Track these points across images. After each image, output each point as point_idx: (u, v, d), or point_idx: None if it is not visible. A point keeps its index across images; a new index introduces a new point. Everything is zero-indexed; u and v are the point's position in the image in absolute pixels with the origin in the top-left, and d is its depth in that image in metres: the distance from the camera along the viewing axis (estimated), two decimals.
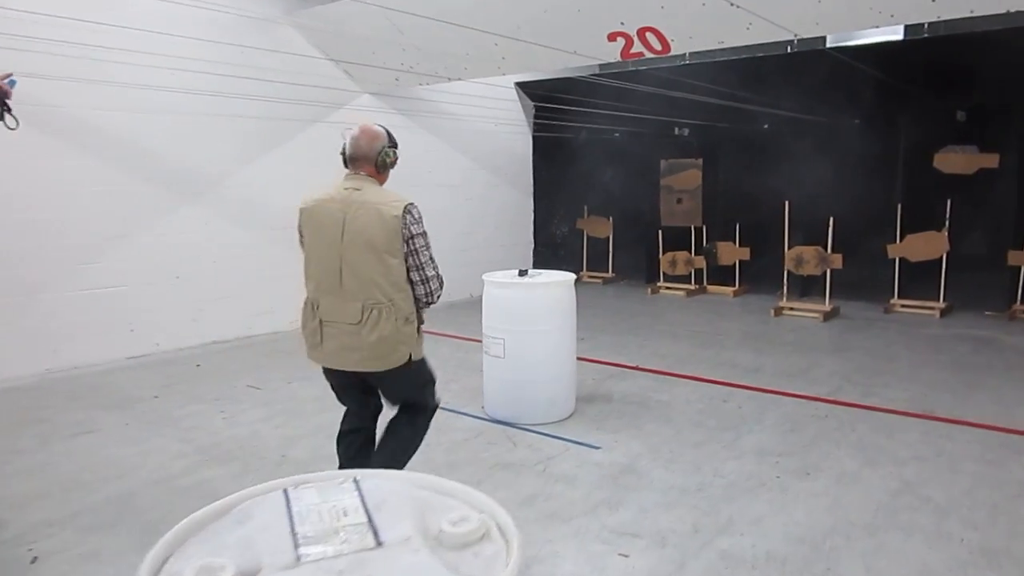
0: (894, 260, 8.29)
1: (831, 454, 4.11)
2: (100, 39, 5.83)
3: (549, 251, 10.86)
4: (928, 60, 7.84)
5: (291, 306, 7.48)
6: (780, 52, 8.05)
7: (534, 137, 10.42)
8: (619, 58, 6.04)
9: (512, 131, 10.10)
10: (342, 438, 3.21)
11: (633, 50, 5.86)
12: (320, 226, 2.87)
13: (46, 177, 5.76)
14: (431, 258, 2.93)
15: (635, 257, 10.83)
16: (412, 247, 2.85)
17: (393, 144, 2.99)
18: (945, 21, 5.07)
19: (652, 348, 6.71)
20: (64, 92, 5.77)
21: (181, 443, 4.29)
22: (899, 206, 8.23)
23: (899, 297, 8.31)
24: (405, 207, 2.82)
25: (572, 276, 4.79)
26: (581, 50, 6.08)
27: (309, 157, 7.47)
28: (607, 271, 10.86)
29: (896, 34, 6.97)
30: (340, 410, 3.28)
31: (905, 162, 8.77)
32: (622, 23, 5.59)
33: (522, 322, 4.53)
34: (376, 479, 1.44)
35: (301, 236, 2.99)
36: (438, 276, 2.96)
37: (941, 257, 7.94)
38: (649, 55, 5.88)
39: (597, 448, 4.21)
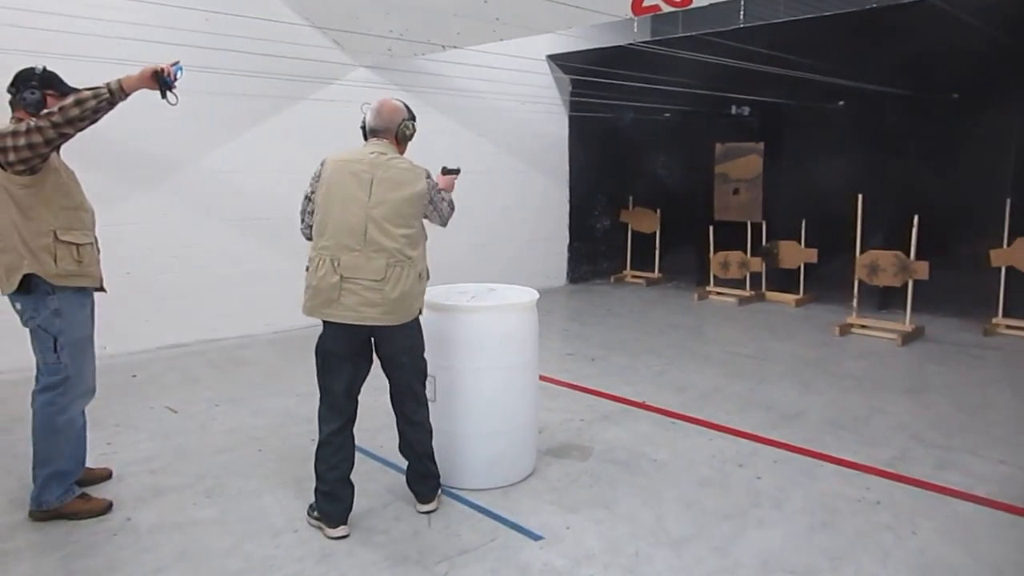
0: (999, 269, 6.67)
1: None
2: (37, 3, 5.07)
3: (588, 247, 9.63)
4: None
5: (266, 307, 6.77)
6: (859, 7, 6.56)
7: (570, 117, 9.16)
8: (631, 13, 4.79)
9: (544, 110, 8.88)
10: (327, 444, 3.04)
11: (647, 3, 4.59)
12: (345, 184, 2.96)
13: None
14: (444, 198, 3.23)
15: (686, 255, 9.46)
16: (434, 205, 3.16)
17: (412, 117, 3.19)
18: None
19: (673, 376, 5.44)
20: None
21: (21, 487, 3.39)
22: (1008, 202, 6.60)
23: (1004, 316, 6.69)
24: (426, 175, 3.10)
25: (533, 296, 3.62)
26: (584, 3, 4.85)
27: (292, 139, 6.55)
28: (653, 271, 9.54)
29: None
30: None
31: (1020, 148, 7.08)
32: None
33: (459, 356, 3.40)
34: None
35: (311, 190, 3.07)
36: (451, 205, 3.29)
37: None
38: (667, 7, 4.60)
39: (537, 539, 3.06)
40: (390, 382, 3.19)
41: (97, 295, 3.31)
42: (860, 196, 6.68)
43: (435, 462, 3.31)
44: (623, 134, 9.49)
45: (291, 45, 6.39)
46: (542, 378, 5.27)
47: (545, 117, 8.92)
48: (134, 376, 5.28)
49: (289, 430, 4.22)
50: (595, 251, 9.72)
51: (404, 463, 3.31)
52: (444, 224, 3.30)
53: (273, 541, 3.02)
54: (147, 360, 5.68)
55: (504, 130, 8.50)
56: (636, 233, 9.67)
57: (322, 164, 3.07)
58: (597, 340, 6.56)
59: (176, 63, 3.04)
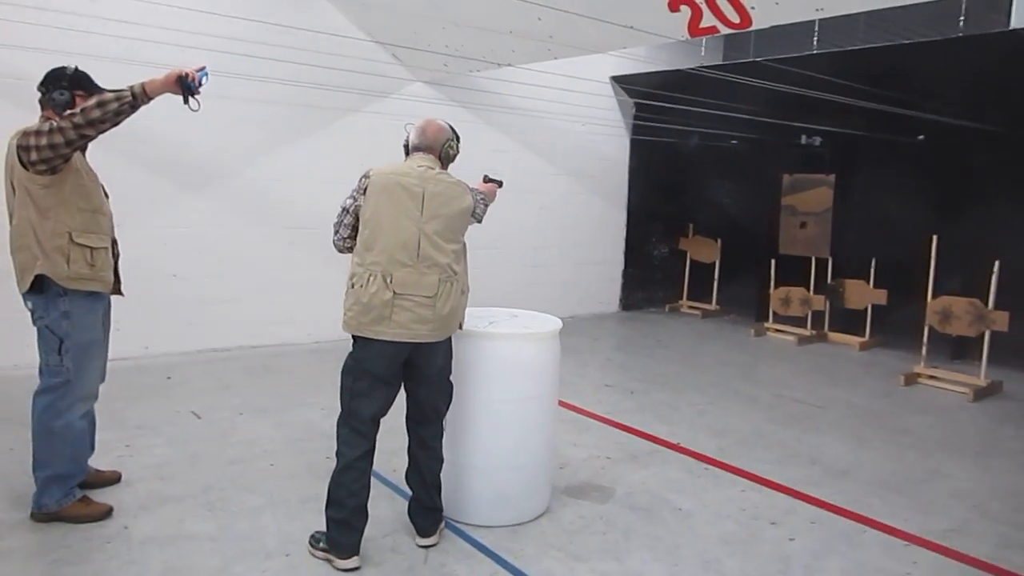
0: None
1: None
2: (97, 8, 5.23)
3: (643, 273, 9.34)
4: None
5: (310, 316, 6.77)
6: (943, 35, 6.15)
7: (632, 140, 8.94)
8: (687, 35, 4.56)
9: (605, 132, 8.68)
10: (350, 470, 2.88)
11: (703, 24, 4.37)
12: (397, 198, 2.89)
13: None
14: (484, 202, 3.28)
15: (746, 288, 9.07)
16: (476, 217, 3.18)
17: (457, 138, 3.15)
18: None
19: (713, 417, 5.14)
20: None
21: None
22: None
23: None
24: (472, 191, 3.11)
25: (555, 326, 3.43)
26: (638, 24, 4.67)
27: (346, 150, 6.56)
28: (710, 302, 9.17)
29: None
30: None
31: None
32: None
33: (471, 384, 3.24)
34: None
35: (353, 202, 2.96)
36: (485, 201, 3.29)
37: None
38: (725, 29, 4.36)
39: None
40: (413, 402, 3.07)
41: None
42: (935, 237, 6.22)
43: (441, 495, 3.15)
44: (686, 160, 9.20)
45: (352, 59, 6.42)
46: (574, 409, 5.10)
47: (606, 139, 8.72)
48: (168, 378, 5.32)
49: (306, 445, 4.14)
50: (650, 278, 9.42)
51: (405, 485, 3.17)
52: (480, 221, 3.27)
53: (262, 564, 2.91)
54: (185, 362, 5.73)
55: (563, 151, 8.35)
56: (694, 262, 9.33)
57: (366, 177, 2.95)
58: (640, 372, 6.29)
59: (202, 68, 2.99)
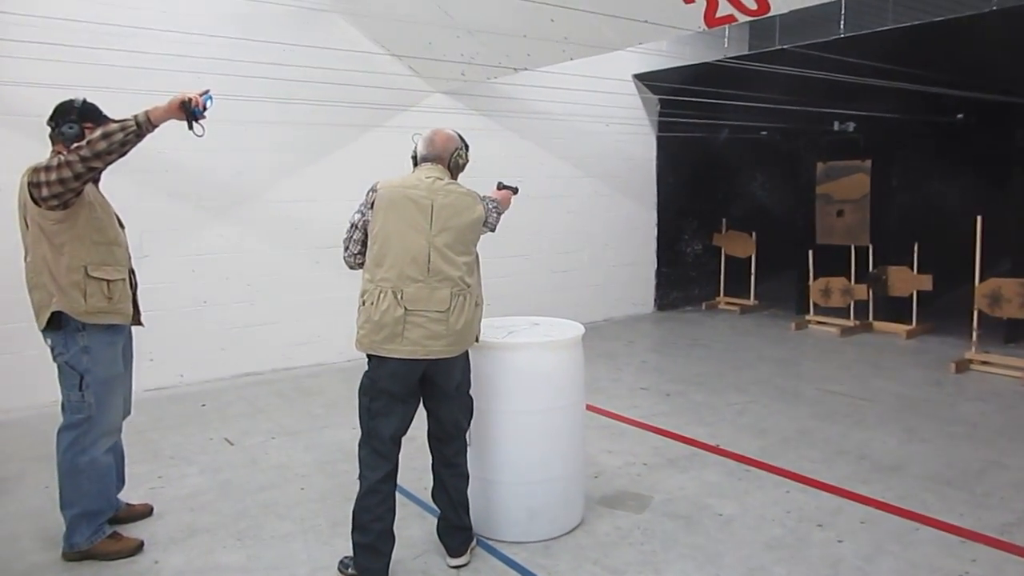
0: None
1: None
2: (112, 40, 5.30)
3: (678, 272, 9.16)
4: None
5: (338, 334, 6.75)
6: (976, 10, 5.91)
7: (658, 138, 8.78)
8: (704, 26, 4.44)
9: (630, 131, 8.55)
10: (373, 493, 2.80)
11: (720, 13, 4.25)
12: (404, 211, 2.82)
13: None
14: (497, 211, 3.11)
15: (784, 281, 8.83)
16: (489, 226, 3.05)
17: (466, 146, 3.07)
18: None
19: (754, 416, 4.97)
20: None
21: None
22: None
23: None
24: (482, 199, 3.00)
25: (577, 332, 3.33)
26: (653, 18, 4.56)
27: (367, 166, 6.45)
28: (748, 297, 8.95)
29: None
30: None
31: None
32: None
33: (494, 397, 3.16)
34: None
35: (361, 217, 2.92)
36: (499, 214, 3.13)
37: None
38: (743, 17, 4.23)
39: None
40: (434, 419, 3.00)
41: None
42: (980, 218, 5.95)
43: (469, 513, 3.08)
44: (715, 154, 9.02)
45: (368, 73, 6.41)
46: (608, 415, 4.99)
47: (631, 138, 8.59)
48: (203, 405, 5.35)
49: (336, 467, 4.10)
50: (685, 277, 9.24)
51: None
52: (494, 230, 3.14)
53: None
54: (219, 389, 5.76)
55: (587, 153, 8.24)
56: (730, 258, 9.12)
57: (373, 190, 2.89)
58: (676, 373, 6.14)
59: (206, 92, 2.96)
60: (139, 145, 2.95)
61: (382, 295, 2.77)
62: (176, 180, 5.80)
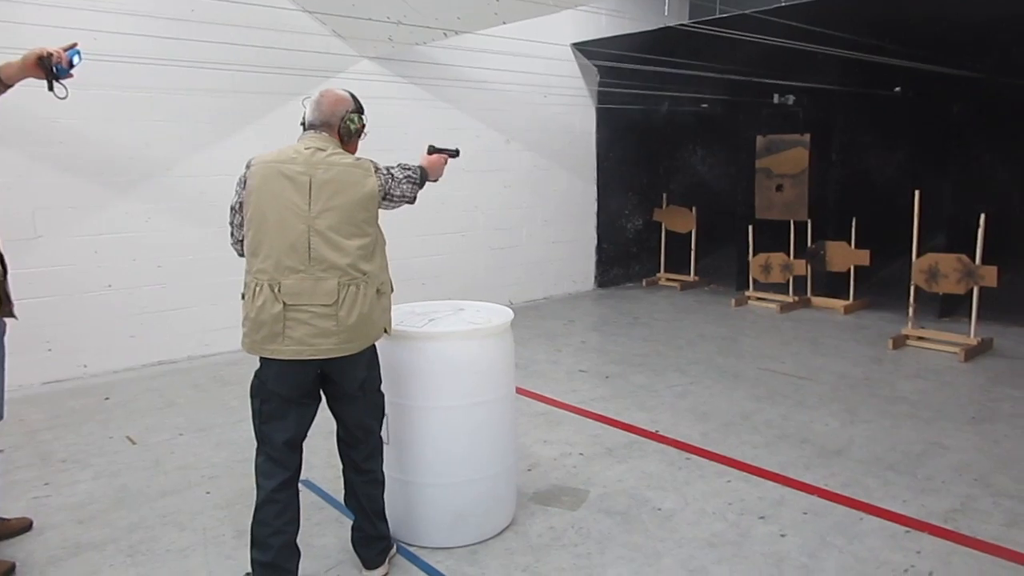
0: None
1: None
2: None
3: (618, 248, 8.98)
4: None
5: None
6: None
7: (597, 110, 8.53)
8: None
9: (568, 102, 8.27)
10: (270, 503, 2.49)
11: None
12: (279, 192, 2.44)
13: None
14: (399, 179, 2.66)
15: (725, 257, 8.75)
16: (390, 199, 2.64)
17: (359, 110, 2.66)
18: None
19: (695, 399, 4.81)
20: None
21: None
22: None
23: None
24: (374, 167, 2.58)
25: (506, 317, 3.05)
26: None
27: (289, 138, 6.03)
28: (689, 274, 8.84)
29: None
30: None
31: None
32: None
33: (413, 392, 2.87)
34: None
35: (240, 203, 2.54)
36: (411, 180, 2.70)
37: None
38: None
39: None
40: (339, 422, 2.69)
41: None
42: (917, 192, 5.89)
43: (386, 521, 2.79)
44: (656, 127, 8.83)
45: (288, 35, 5.96)
46: (546, 400, 4.76)
47: (569, 110, 8.31)
48: (107, 399, 4.91)
49: (248, 467, 3.64)
50: (626, 253, 9.07)
51: None
52: (413, 201, 2.75)
53: None
54: (126, 380, 5.31)
55: (524, 124, 7.93)
56: (671, 233, 8.98)
57: (247, 167, 2.52)
58: (616, 354, 5.95)
59: (72, 47, 2.54)
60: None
61: (259, 289, 2.43)
62: (74, 152, 5.27)
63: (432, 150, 2.93)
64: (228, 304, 6.01)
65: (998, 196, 6.07)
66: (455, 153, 2.98)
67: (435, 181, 2.89)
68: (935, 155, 6.75)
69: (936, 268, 5.86)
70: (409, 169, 2.71)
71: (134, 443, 4.13)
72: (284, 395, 2.49)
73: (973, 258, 5.64)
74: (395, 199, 2.66)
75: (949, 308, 6.59)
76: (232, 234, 2.66)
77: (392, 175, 2.64)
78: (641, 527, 3.14)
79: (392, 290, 2.68)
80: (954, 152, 6.57)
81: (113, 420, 4.50)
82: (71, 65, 2.54)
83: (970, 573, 2.76)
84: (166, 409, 4.70)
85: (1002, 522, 3.15)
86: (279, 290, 2.41)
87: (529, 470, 3.68)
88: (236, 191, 2.57)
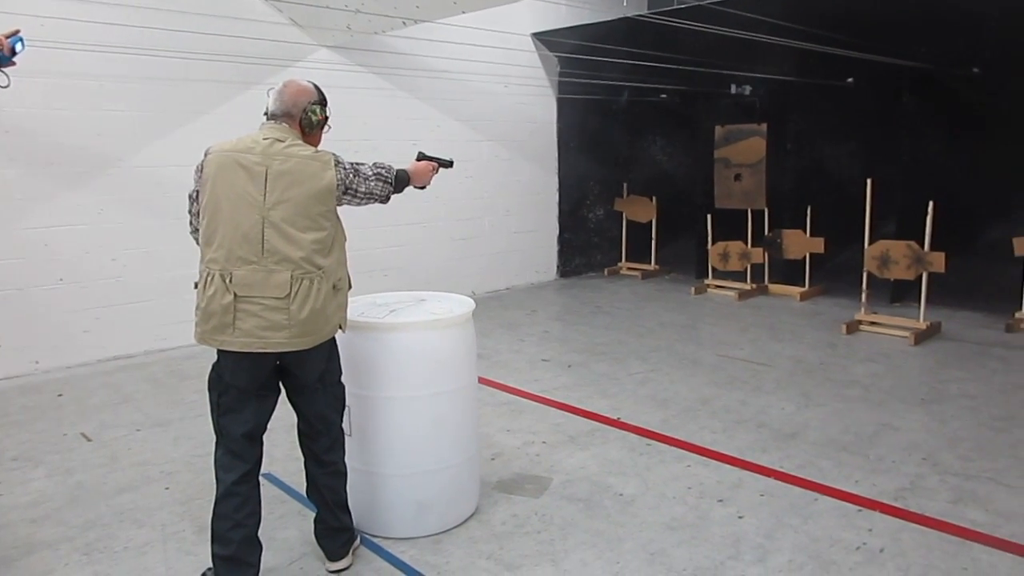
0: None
1: None
2: None
3: (580, 238, 9.04)
4: None
5: None
6: None
7: (558, 100, 8.55)
8: None
9: (529, 92, 8.28)
10: (230, 496, 2.46)
11: None
12: (235, 181, 2.41)
13: None
14: (365, 175, 2.60)
15: (684, 246, 8.87)
16: (352, 193, 2.58)
17: (321, 102, 2.63)
18: None
19: (656, 386, 4.88)
20: None
21: None
22: None
23: None
24: (334, 160, 2.52)
25: (467, 308, 3.06)
26: None
27: (245, 128, 5.89)
28: (650, 263, 8.94)
29: None
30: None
31: None
32: None
33: (375, 383, 2.86)
34: None
35: (196, 191, 2.52)
36: (380, 178, 2.64)
37: None
38: None
39: None
40: (299, 415, 2.67)
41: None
42: (870, 181, 6.04)
43: (349, 512, 2.79)
44: (616, 117, 8.89)
45: (244, 22, 5.85)
46: (508, 390, 4.78)
47: (530, 100, 8.32)
48: (60, 396, 4.80)
49: (208, 461, 3.60)
50: (588, 243, 9.14)
51: None
52: (386, 201, 2.71)
53: None
54: (81, 376, 5.20)
55: (485, 114, 7.92)
56: (631, 223, 9.06)
57: (205, 154, 2.49)
58: (579, 343, 6.00)
59: (15, 34, 2.47)
60: None
61: (210, 278, 2.41)
62: (20, 142, 5.12)
63: (421, 157, 2.88)
64: (185, 297, 5.87)
65: (946, 185, 6.24)
66: (448, 163, 2.93)
67: (421, 188, 2.88)
68: (886, 145, 6.91)
69: (887, 255, 6.03)
70: (383, 168, 2.67)
71: (89, 440, 4.04)
72: (241, 387, 2.47)
73: (922, 245, 5.81)
74: (359, 195, 2.60)
75: (900, 293, 6.78)
76: (191, 223, 2.63)
77: (357, 171, 2.58)
78: (603, 512, 3.19)
79: (350, 287, 2.65)
80: (904, 142, 6.74)
81: (67, 417, 4.40)
82: (13, 52, 2.47)
83: (919, 549, 2.86)
84: (122, 405, 4.61)
85: (948, 499, 3.27)
86: (230, 280, 2.39)
87: (492, 459, 3.71)
88: (194, 179, 2.54)
